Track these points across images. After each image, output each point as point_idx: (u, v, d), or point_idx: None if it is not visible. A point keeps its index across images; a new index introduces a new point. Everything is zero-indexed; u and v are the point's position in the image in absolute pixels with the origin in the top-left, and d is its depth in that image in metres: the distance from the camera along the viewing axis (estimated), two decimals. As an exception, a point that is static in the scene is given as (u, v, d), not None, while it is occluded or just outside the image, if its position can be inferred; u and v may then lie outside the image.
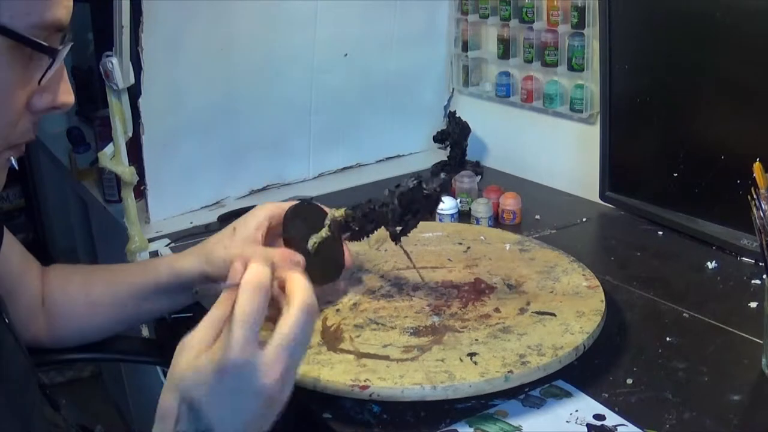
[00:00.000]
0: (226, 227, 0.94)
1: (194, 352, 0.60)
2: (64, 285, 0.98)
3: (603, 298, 0.96)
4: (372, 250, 1.11)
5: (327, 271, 0.96)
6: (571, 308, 0.94)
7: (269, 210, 0.92)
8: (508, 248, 1.13)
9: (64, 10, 0.62)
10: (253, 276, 0.62)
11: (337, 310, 0.96)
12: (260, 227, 0.91)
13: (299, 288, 0.64)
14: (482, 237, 1.17)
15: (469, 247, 1.13)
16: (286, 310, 0.63)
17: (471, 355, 0.85)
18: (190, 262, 0.92)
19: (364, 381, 0.80)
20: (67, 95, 0.66)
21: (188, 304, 0.99)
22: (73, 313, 0.97)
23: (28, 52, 0.60)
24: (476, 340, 0.88)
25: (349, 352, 0.86)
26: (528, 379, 0.82)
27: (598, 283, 1.00)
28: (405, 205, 0.92)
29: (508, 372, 0.81)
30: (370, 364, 0.83)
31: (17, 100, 0.62)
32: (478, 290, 1.00)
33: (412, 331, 0.91)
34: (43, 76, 0.63)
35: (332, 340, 0.88)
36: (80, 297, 0.97)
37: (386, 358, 0.85)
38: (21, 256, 0.94)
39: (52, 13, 0.61)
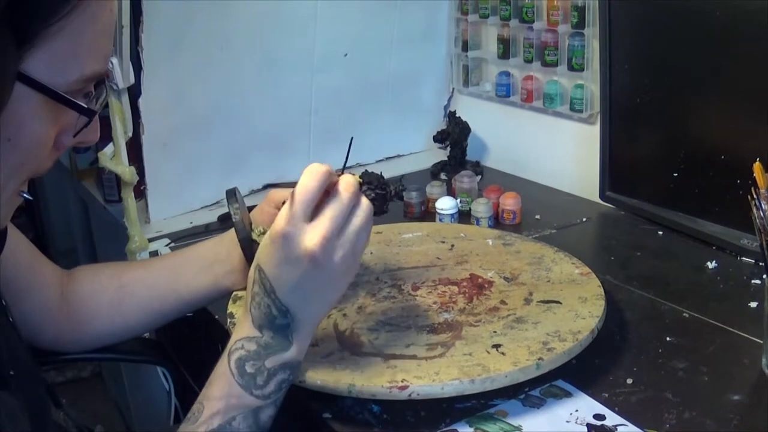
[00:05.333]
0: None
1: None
2: (94, 276, 0.97)
3: (599, 283, 0.98)
4: None
5: None
6: (573, 295, 0.96)
7: (281, 196, 0.94)
8: (491, 243, 1.13)
9: (103, 61, 0.63)
10: (312, 165, 0.73)
11: (344, 314, 0.95)
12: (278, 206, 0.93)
13: (343, 181, 0.74)
14: (462, 234, 1.17)
15: (453, 245, 1.13)
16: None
17: (496, 346, 0.85)
18: (235, 277, 0.95)
19: (402, 381, 0.79)
20: (94, 134, 0.67)
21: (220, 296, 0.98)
22: (101, 304, 0.95)
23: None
24: (495, 332, 0.89)
25: (373, 354, 0.85)
26: (556, 364, 0.83)
27: (590, 270, 1.02)
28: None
29: (539, 359, 0.82)
30: (400, 364, 0.83)
31: (49, 144, 0.63)
32: (478, 285, 1.01)
33: (428, 329, 0.91)
34: (78, 132, 0.64)
35: (352, 344, 0.88)
36: (112, 283, 0.96)
37: (414, 357, 0.84)
38: (31, 255, 0.93)
39: (93, 67, 0.61)
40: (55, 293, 0.95)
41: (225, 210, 1.45)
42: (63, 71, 0.59)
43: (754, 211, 0.84)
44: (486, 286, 1.01)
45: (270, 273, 0.72)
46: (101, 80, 0.65)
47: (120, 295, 0.96)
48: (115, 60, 1.20)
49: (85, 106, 0.62)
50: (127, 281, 0.96)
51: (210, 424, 0.70)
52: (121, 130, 1.27)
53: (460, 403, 0.82)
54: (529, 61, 1.52)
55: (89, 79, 0.62)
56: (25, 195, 0.66)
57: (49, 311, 0.94)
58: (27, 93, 0.58)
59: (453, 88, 1.76)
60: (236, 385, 0.71)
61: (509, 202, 1.33)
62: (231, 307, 0.96)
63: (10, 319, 0.80)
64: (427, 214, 1.38)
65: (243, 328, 0.74)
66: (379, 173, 0.91)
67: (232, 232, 0.94)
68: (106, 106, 1.26)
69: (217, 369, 0.73)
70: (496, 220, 1.33)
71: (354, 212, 0.73)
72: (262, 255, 0.74)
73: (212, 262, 0.96)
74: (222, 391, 0.71)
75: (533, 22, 1.48)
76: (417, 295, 0.99)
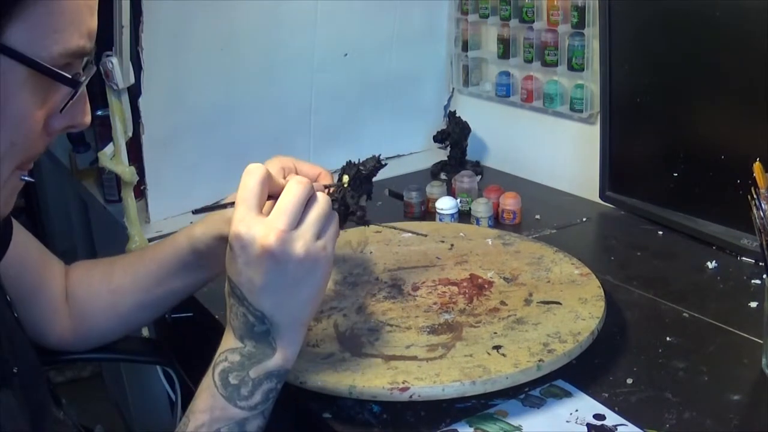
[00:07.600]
0: None
1: None
2: (87, 279, 0.97)
3: (599, 284, 0.99)
4: (357, 254, 1.11)
5: None
6: (573, 296, 0.96)
7: (281, 162, 0.89)
8: (490, 243, 1.13)
9: (87, 37, 0.62)
10: (250, 165, 0.72)
11: (344, 315, 0.95)
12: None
13: (293, 178, 0.73)
14: (462, 234, 1.17)
15: (452, 245, 1.13)
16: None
17: (497, 348, 0.85)
18: (205, 225, 0.90)
19: (402, 383, 0.79)
20: (84, 116, 0.66)
21: (208, 280, 0.96)
22: (96, 307, 0.95)
23: (49, 79, 0.60)
24: (495, 333, 0.89)
25: (373, 355, 0.85)
26: (556, 366, 0.83)
27: (589, 270, 1.02)
28: (356, 188, 0.90)
29: (539, 361, 0.82)
30: (401, 365, 0.83)
31: (37, 123, 0.62)
32: (478, 285, 1.01)
33: (429, 329, 0.91)
34: (65, 105, 0.63)
35: (352, 345, 0.88)
36: (103, 287, 0.95)
37: (414, 358, 0.84)
38: (39, 253, 0.93)
39: (76, 41, 0.61)
40: (60, 291, 0.95)
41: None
42: (44, 43, 0.59)
43: (754, 211, 0.84)
44: (486, 286, 1.01)
45: (236, 280, 0.70)
46: (89, 60, 0.64)
47: (113, 298, 0.95)
48: (115, 60, 1.20)
49: (69, 76, 0.61)
50: (117, 286, 0.95)
51: None
52: (121, 130, 1.27)
53: (460, 403, 0.82)
54: (529, 61, 1.52)
55: (73, 54, 0.61)
56: (25, 177, 0.65)
57: (55, 310, 0.94)
58: (9, 65, 0.57)
59: (453, 88, 1.76)
60: (220, 398, 0.70)
61: (509, 202, 1.33)
62: None
63: (15, 315, 0.80)
64: (427, 214, 1.38)
65: (227, 340, 0.73)
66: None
67: (211, 220, 0.90)
68: (106, 106, 1.26)
69: (203, 382, 0.72)
70: (496, 220, 1.33)
71: (310, 203, 0.71)
72: (227, 265, 0.71)
73: (208, 257, 0.92)
74: (206, 403, 0.70)
75: (533, 22, 1.48)
76: (417, 296, 0.99)
